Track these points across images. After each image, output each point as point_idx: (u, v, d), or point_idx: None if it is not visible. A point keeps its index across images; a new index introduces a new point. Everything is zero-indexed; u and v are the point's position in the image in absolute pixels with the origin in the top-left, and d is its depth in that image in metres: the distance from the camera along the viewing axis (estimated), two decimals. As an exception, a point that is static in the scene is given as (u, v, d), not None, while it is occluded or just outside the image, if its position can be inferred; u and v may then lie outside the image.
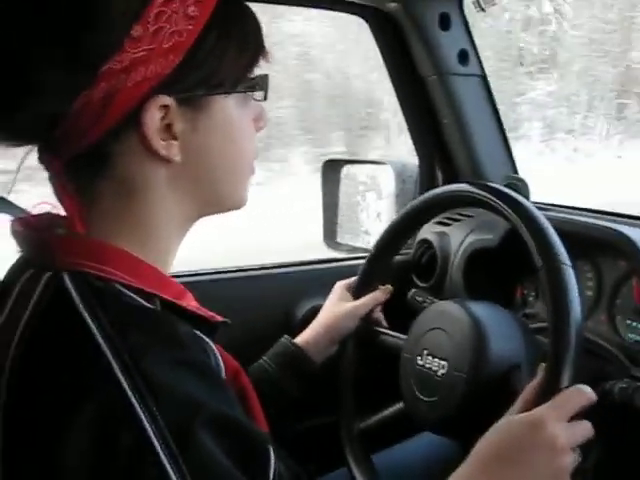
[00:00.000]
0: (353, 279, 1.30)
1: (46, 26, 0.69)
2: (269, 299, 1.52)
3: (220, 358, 0.76)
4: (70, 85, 0.69)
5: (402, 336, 1.21)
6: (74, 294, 0.69)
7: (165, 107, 0.72)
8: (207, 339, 0.75)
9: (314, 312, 1.45)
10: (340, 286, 1.30)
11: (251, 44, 0.78)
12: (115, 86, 0.69)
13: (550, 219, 0.99)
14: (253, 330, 1.38)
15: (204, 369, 0.71)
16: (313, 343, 1.22)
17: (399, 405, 1.18)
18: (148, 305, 0.72)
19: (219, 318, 0.80)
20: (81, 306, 0.68)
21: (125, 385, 0.63)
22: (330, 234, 1.77)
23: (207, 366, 0.72)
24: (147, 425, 0.62)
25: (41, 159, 0.76)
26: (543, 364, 0.90)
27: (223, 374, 0.75)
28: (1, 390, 0.68)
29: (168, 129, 0.74)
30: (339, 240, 1.76)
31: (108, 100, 0.69)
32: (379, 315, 1.28)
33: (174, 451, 0.62)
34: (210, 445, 0.64)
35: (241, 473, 0.66)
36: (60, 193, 0.76)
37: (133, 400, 0.63)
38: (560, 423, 0.82)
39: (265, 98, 0.82)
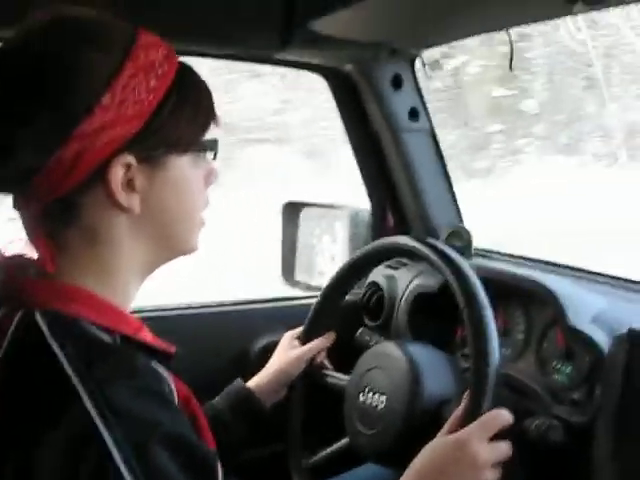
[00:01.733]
0: (299, 329, 1.39)
1: (29, 92, 0.78)
2: (226, 335, 1.60)
3: (173, 386, 0.84)
4: (46, 144, 0.78)
5: (345, 377, 1.31)
6: (45, 329, 0.77)
7: (127, 165, 0.81)
8: (162, 369, 0.83)
9: (269, 348, 1.54)
10: (288, 335, 1.40)
11: (203, 110, 0.87)
12: (85, 146, 0.78)
13: (487, 269, 1.11)
14: (209, 363, 1.45)
15: (159, 394, 0.79)
16: (263, 387, 1.31)
17: (344, 440, 1.27)
18: (109, 340, 0.81)
19: (172, 349, 0.89)
20: (51, 340, 0.76)
21: (90, 409, 0.71)
22: (288, 271, 1.86)
23: (162, 393, 0.80)
24: (110, 443, 0.70)
25: (15, 205, 0.85)
26: (467, 392, 1.01)
27: (176, 400, 0.83)
28: None
29: (130, 184, 0.82)
30: (297, 278, 1.85)
31: (78, 158, 0.78)
32: (324, 360, 1.38)
33: (133, 465, 0.70)
34: (165, 460, 0.72)
35: None
36: (33, 236, 0.85)
37: (97, 421, 0.71)
38: (481, 442, 0.93)
39: (214, 158, 0.91)
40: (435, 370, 1.18)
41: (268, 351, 1.50)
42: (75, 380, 0.73)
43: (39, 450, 0.71)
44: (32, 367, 0.77)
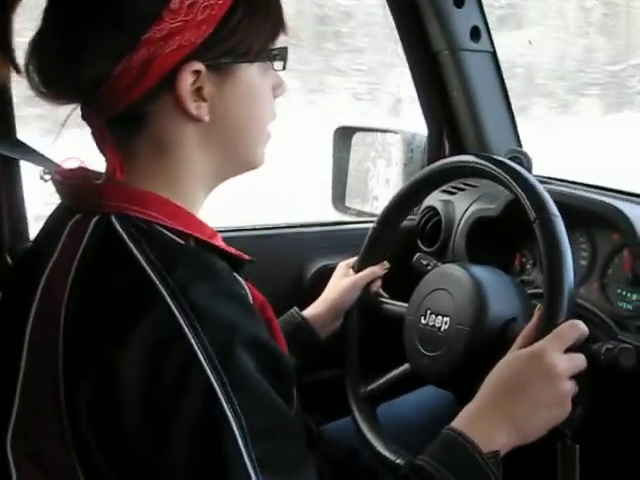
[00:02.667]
0: (353, 259, 1.37)
1: None
2: (279, 258, 1.59)
3: (249, 291, 0.84)
4: (114, 50, 0.77)
5: (402, 304, 1.29)
6: (122, 233, 0.78)
7: (197, 72, 0.80)
8: (236, 274, 0.84)
9: (323, 272, 1.54)
10: (342, 265, 1.38)
11: (272, 19, 0.86)
12: (154, 52, 0.77)
13: (550, 192, 1.07)
14: (262, 286, 1.45)
15: (240, 297, 0.79)
16: (318, 317, 1.31)
17: (404, 366, 1.25)
18: (185, 243, 0.81)
19: (247, 257, 0.89)
20: (129, 243, 0.77)
21: (174, 308, 0.72)
22: (339, 198, 1.84)
23: (242, 296, 0.80)
24: (193, 342, 0.71)
25: (84, 116, 0.85)
26: (539, 304, 0.99)
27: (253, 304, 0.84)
28: (61, 316, 0.76)
29: (198, 92, 0.81)
30: (347, 204, 1.83)
31: (147, 65, 0.77)
32: (379, 289, 1.36)
33: (216, 364, 0.71)
34: (247, 362, 0.73)
35: (272, 389, 0.75)
36: (102, 147, 0.85)
37: (181, 320, 0.71)
38: (557, 353, 0.91)
39: (284, 68, 0.90)
40: (500, 290, 1.15)
41: (322, 275, 1.49)
42: (157, 281, 0.73)
43: (121, 354, 0.71)
44: (112, 271, 0.77)
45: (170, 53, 0.78)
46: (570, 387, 0.91)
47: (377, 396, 1.30)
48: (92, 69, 0.78)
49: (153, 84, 0.79)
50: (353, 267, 1.36)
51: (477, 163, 1.16)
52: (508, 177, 1.09)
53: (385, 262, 1.35)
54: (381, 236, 1.36)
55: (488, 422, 0.90)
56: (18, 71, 0.83)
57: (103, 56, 0.78)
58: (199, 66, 0.80)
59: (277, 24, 0.87)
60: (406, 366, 1.25)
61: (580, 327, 0.94)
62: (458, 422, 0.91)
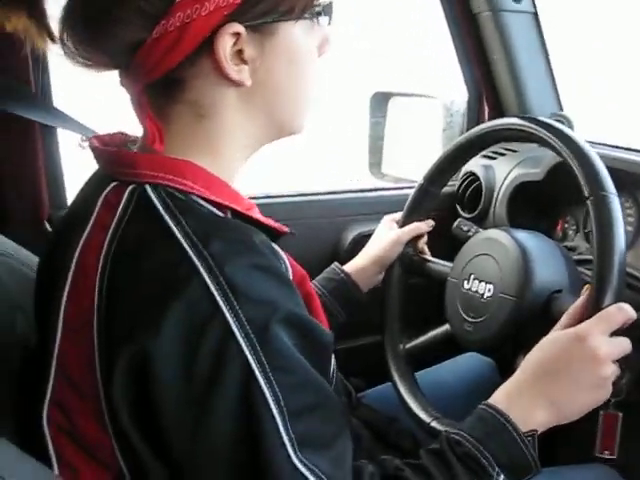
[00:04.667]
0: (398, 214, 1.35)
1: None
2: (318, 224, 1.58)
3: (288, 264, 0.82)
4: (149, 14, 0.75)
5: (447, 263, 1.27)
6: (157, 203, 0.76)
7: (236, 34, 0.77)
8: (276, 247, 0.81)
9: (361, 238, 1.53)
10: (387, 219, 1.36)
11: None
12: (190, 15, 0.74)
13: None
14: (302, 253, 1.45)
15: (278, 273, 0.77)
16: (360, 271, 1.30)
17: (444, 327, 1.24)
18: (222, 215, 0.79)
19: (286, 229, 0.87)
20: (165, 214, 0.75)
21: (210, 284, 0.70)
22: (375, 164, 1.81)
23: (280, 271, 0.78)
24: (230, 319, 0.70)
25: (122, 83, 0.83)
26: (587, 285, 0.96)
27: (291, 278, 0.81)
28: (95, 293, 0.75)
29: (239, 55, 0.79)
30: (384, 170, 1.81)
31: (184, 28, 0.75)
32: (423, 246, 1.34)
33: (254, 342, 0.70)
34: (285, 339, 0.72)
35: (310, 366, 0.74)
36: (140, 114, 0.83)
37: (218, 297, 0.70)
38: (602, 336, 0.88)
39: (329, 23, 0.86)
40: (546, 259, 1.12)
41: (359, 242, 1.48)
42: (193, 256, 0.71)
43: (157, 333, 0.69)
44: (147, 242, 0.75)
45: (207, 15, 0.75)
46: (612, 371, 0.88)
47: (416, 354, 1.28)
48: (127, 34, 0.76)
49: (191, 48, 0.76)
50: (398, 222, 1.34)
51: (526, 126, 1.12)
52: (560, 142, 1.05)
53: (430, 220, 1.33)
54: (423, 201, 1.33)
55: (527, 401, 0.88)
56: (54, 40, 0.81)
57: (137, 20, 0.75)
58: (239, 28, 0.77)
59: None
60: (446, 327, 1.23)
61: (628, 311, 0.91)
62: (497, 397, 0.89)
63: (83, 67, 0.80)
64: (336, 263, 1.30)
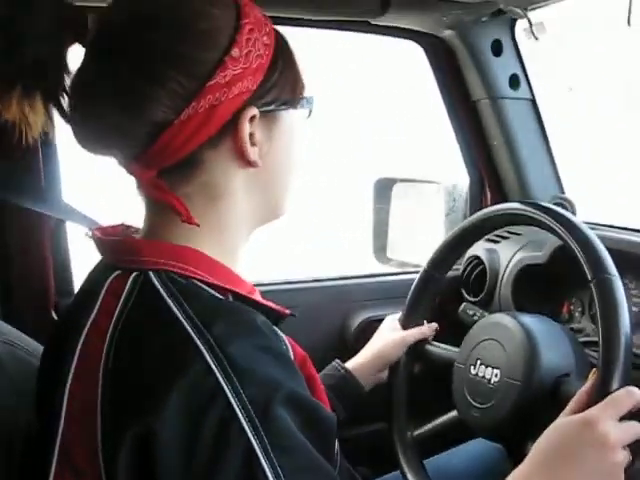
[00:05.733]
0: (399, 314, 1.34)
1: (162, 54, 0.78)
2: (323, 311, 1.58)
3: (290, 346, 0.82)
4: (181, 95, 0.77)
5: (452, 348, 1.27)
6: (160, 288, 0.77)
7: (252, 118, 0.81)
8: (276, 329, 0.82)
9: (367, 324, 1.52)
10: (390, 318, 1.36)
11: (301, 70, 0.88)
12: (219, 98, 0.78)
13: (598, 237, 1.04)
14: (306, 339, 1.45)
15: (280, 354, 0.77)
16: (363, 368, 1.29)
17: (452, 413, 1.23)
18: (224, 298, 0.80)
19: (287, 311, 0.88)
20: (168, 299, 0.76)
21: (213, 366, 0.70)
22: (380, 249, 1.83)
23: (282, 352, 0.79)
24: (232, 400, 0.69)
25: (130, 170, 0.83)
26: (594, 369, 0.95)
27: (293, 360, 0.82)
28: (99, 376, 0.75)
29: (251, 138, 0.82)
30: (389, 255, 1.82)
31: (212, 111, 0.78)
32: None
33: (256, 423, 0.69)
34: (287, 420, 0.71)
35: (312, 446, 0.73)
36: (158, 197, 0.82)
37: (220, 378, 0.70)
38: (611, 422, 0.87)
39: (309, 116, 0.92)
40: (552, 342, 1.12)
41: (366, 328, 1.48)
42: (195, 338, 0.72)
43: (160, 414, 0.69)
44: (150, 327, 0.76)
45: (233, 99, 0.79)
46: (623, 457, 0.87)
47: (424, 442, 1.26)
48: (156, 115, 0.77)
49: (215, 130, 0.79)
50: (400, 319, 1.34)
51: (527, 211, 1.13)
52: (560, 227, 1.06)
53: (434, 323, 1.33)
54: (426, 287, 1.33)
55: None
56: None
57: (168, 102, 0.77)
58: (255, 111, 0.81)
59: (303, 75, 0.89)
60: (454, 413, 1.22)
61: (636, 394, 0.90)
62: None
63: (93, 152, 0.83)
64: (337, 360, 1.30)
